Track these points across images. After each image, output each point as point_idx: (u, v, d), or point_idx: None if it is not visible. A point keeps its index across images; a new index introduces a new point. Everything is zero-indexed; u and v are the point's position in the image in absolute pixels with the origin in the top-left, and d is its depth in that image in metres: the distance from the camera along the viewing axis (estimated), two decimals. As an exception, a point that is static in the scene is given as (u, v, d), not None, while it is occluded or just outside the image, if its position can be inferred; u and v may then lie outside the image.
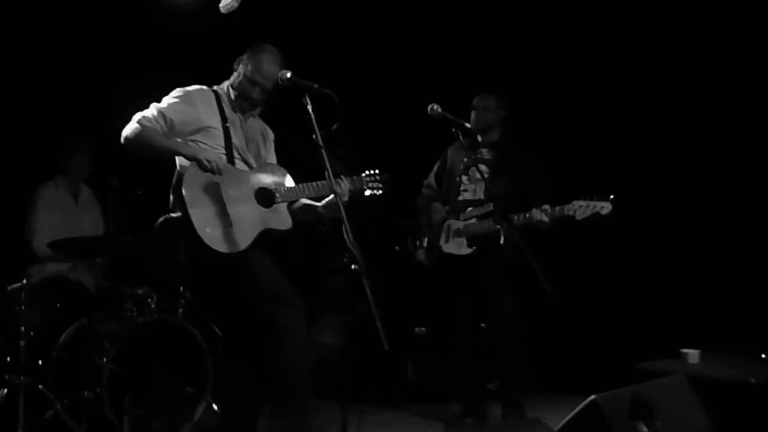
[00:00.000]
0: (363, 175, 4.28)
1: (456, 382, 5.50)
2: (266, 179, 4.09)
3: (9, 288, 4.76)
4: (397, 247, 6.29)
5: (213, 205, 3.87)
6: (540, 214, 4.86)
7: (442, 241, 5.24)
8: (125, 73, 5.66)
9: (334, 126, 3.60)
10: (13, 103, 5.33)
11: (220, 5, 5.29)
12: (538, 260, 4.27)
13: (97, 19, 5.73)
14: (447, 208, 5.29)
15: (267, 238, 4.01)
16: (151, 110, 3.94)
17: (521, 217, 4.89)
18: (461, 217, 5.19)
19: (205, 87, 4.11)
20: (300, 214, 4.21)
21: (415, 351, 6.12)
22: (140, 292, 5.04)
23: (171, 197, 3.94)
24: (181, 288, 5.28)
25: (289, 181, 4.16)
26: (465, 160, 5.29)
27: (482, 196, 5.20)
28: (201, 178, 3.88)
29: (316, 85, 3.66)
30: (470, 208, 5.18)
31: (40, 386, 4.66)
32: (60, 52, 5.71)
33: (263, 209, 4.02)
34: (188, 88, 4.04)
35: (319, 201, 4.17)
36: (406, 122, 6.12)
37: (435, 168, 5.52)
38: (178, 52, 5.92)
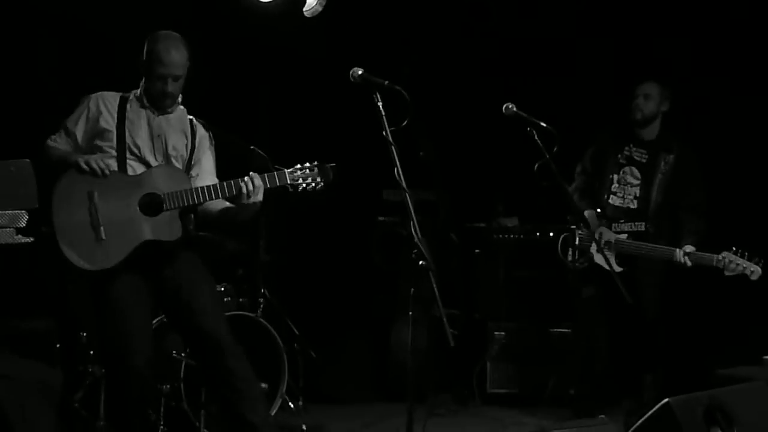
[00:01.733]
0: (290, 170, 3.89)
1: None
2: (156, 183, 3.77)
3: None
4: (477, 250, 6.27)
5: (83, 216, 3.64)
6: (683, 258, 4.74)
7: (593, 249, 5.06)
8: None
9: (404, 123, 3.57)
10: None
11: (304, 9, 5.33)
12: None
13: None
14: (598, 212, 5.11)
15: (152, 249, 3.74)
16: (59, 129, 3.85)
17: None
18: (614, 228, 5.05)
19: (114, 92, 3.92)
20: (221, 218, 3.97)
21: (495, 355, 6.06)
22: (221, 289, 5.13)
23: None
24: (262, 287, 5.35)
25: (185, 184, 3.82)
26: (618, 156, 5.12)
27: (631, 205, 5.06)
28: (76, 186, 3.66)
29: (386, 82, 3.62)
30: (622, 221, 5.04)
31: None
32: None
33: (147, 218, 3.72)
34: (91, 94, 3.90)
35: (234, 202, 3.88)
36: (478, 122, 6.09)
37: (589, 152, 5.30)
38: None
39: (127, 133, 3.81)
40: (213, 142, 4.09)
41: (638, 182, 5.05)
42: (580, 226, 5.06)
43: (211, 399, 4.51)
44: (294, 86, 6.25)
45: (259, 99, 6.23)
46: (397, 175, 3.61)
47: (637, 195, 5.05)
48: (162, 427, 4.54)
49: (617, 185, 5.12)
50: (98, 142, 3.79)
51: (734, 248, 4.68)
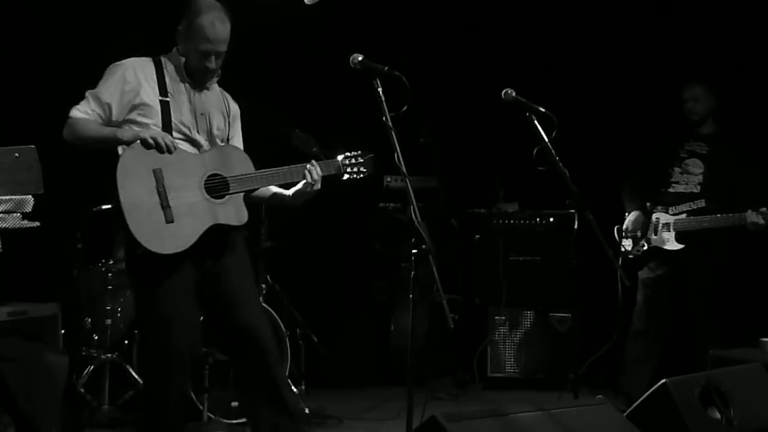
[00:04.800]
0: (340, 158, 3.81)
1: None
2: (220, 165, 3.55)
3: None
4: (477, 236, 6.31)
5: (152, 196, 3.38)
6: (756, 216, 4.81)
7: (650, 234, 5.15)
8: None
9: (404, 108, 3.60)
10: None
11: (305, -3, 5.37)
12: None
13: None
14: (649, 204, 5.21)
15: (215, 234, 3.50)
16: (85, 99, 3.53)
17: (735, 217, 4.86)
18: (670, 211, 5.13)
19: (145, 57, 3.62)
20: (269, 202, 3.87)
21: (495, 339, 6.10)
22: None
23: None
24: (264, 273, 5.40)
25: (248, 167, 3.63)
26: (679, 152, 5.22)
27: (694, 190, 5.13)
28: (142, 163, 3.40)
29: (386, 68, 3.63)
30: (683, 202, 5.11)
31: (127, 366, 4.85)
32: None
33: (213, 201, 3.49)
34: (122, 62, 3.57)
35: (287, 188, 3.76)
36: (478, 108, 6.11)
37: (643, 158, 5.41)
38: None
39: (171, 110, 3.55)
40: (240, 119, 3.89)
41: (701, 171, 5.15)
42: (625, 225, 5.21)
43: (214, 384, 4.57)
44: (294, 72, 6.27)
45: (260, 85, 6.24)
46: (397, 161, 3.62)
47: (701, 182, 5.13)
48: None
49: (680, 175, 5.20)
50: (137, 118, 3.52)
51: None
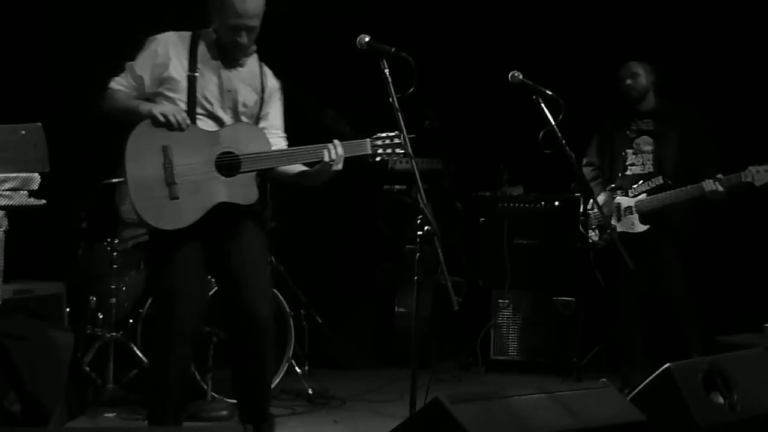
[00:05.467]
0: (372, 138, 3.71)
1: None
2: (234, 142, 3.55)
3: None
4: (482, 219, 6.30)
5: (158, 171, 3.41)
6: (714, 184, 4.77)
7: (614, 221, 5.13)
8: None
9: (410, 90, 3.58)
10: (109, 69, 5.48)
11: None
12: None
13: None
14: (612, 187, 5.19)
15: (226, 212, 3.53)
16: (124, 70, 3.61)
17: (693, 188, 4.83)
18: (630, 193, 5.11)
19: (183, 32, 3.65)
20: (295, 180, 3.77)
21: (498, 322, 6.11)
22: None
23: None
24: (270, 255, 5.39)
25: (264, 145, 3.62)
26: (627, 132, 5.21)
27: (650, 169, 5.12)
28: (151, 139, 3.43)
29: (393, 49, 3.61)
30: (640, 182, 5.09)
31: (132, 345, 4.86)
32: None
33: (223, 179, 3.50)
34: (157, 36, 3.63)
35: (311, 167, 3.71)
36: (484, 91, 6.10)
37: (594, 143, 5.40)
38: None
39: (198, 85, 3.57)
40: (282, 95, 3.87)
41: (652, 147, 5.12)
42: (593, 207, 5.09)
43: (217, 363, 4.59)
44: (301, 53, 6.25)
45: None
46: (403, 142, 3.63)
47: (653, 158, 5.11)
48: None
49: (634, 156, 5.19)
50: (166, 92, 3.56)
51: (757, 162, 4.73)
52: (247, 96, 3.70)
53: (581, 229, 5.19)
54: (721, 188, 4.78)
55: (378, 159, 3.72)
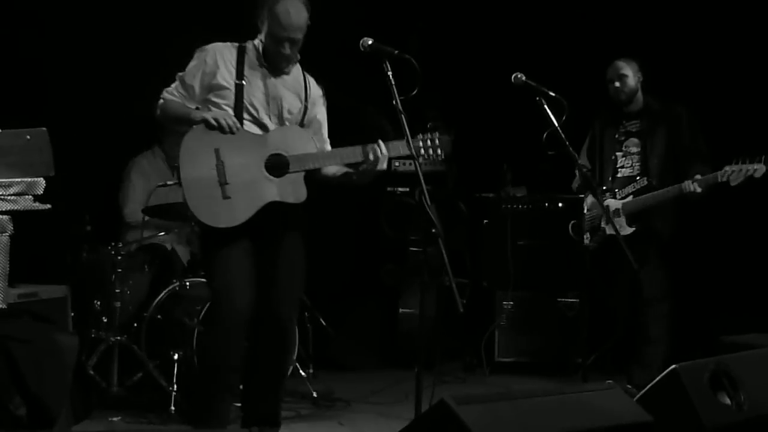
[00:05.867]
0: (414, 138, 3.72)
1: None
2: (282, 144, 3.72)
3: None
4: (485, 220, 6.30)
5: (210, 173, 3.60)
6: (691, 185, 4.78)
7: (603, 223, 5.15)
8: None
9: (414, 92, 3.58)
10: (113, 75, 5.48)
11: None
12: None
13: None
14: (603, 190, 5.17)
15: (275, 211, 3.69)
16: (176, 81, 3.82)
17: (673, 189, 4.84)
18: (617, 196, 5.11)
19: (229, 43, 3.85)
20: (342, 180, 3.91)
21: (502, 324, 6.11)
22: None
23: None
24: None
25: (310, 147, 3.79)
26: (616, 135, 5.21)
27: (640, 171, 5.12)
28: (203, 142, 3.62)
29: (396, 51, 3.62)
30: (630, 184, 5.09)
31: (134, 346, 4.86)
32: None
33: (273, 179, 3.68)
34: (206, 46, 3.83)
35: (355, 168, 3.83)
36: (487, 92, 6.10)
37: (585, 145, 5.41)
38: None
39: (245, 93, 3.76)
40: (326, 101, 4.04)
41: (638, 149, 5.13)
42: (586, 208, 5.15)
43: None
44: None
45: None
46: (407, 144, 3.64)
47: (641, 160, 5.12)
48: (174, 392, 4.60)
49: (623, 159, 5.19)
50: (214, 98, 3.76)
51: (733, 161, 4.73)
52: (291, 103, 3.87)
53: (570, 232, 5.20)
54: (699, 189, 4.78)
55: (419, 160, 3.71)
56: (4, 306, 3.27)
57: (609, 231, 5.07)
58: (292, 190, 3.70)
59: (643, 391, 3.50)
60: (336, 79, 6.04)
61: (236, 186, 3.60)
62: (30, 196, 3.26)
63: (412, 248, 6.26)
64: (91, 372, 4.74)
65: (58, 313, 4.65)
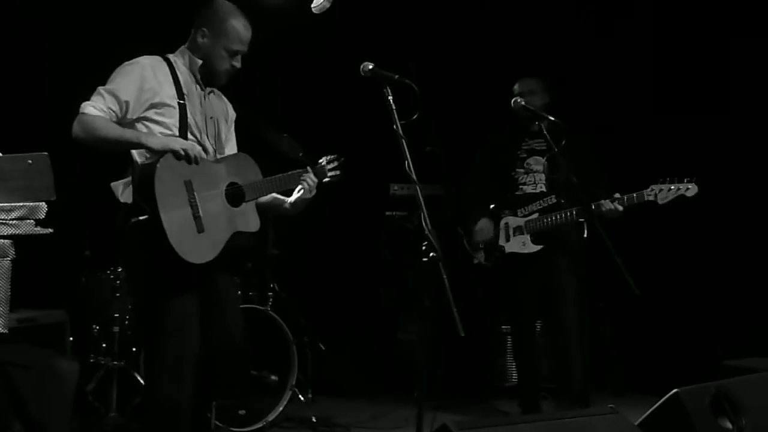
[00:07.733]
0: (323, 162, 3.91)
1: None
2: (235, 173, 3.61)
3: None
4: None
5: (185, 207, 3.41)
6: (611, 204, 4.64)
7: (502, 241, 5.02)
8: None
9: (414, 116, 3.59)
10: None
11: (312, 6, 5.36)
12: (619, 251, 4.14)
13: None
14: (495, 207, 5.08)
15: (233, 242, 3.57)
16: (99, 95, 3.46)
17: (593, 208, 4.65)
18: (519, 213, 5.00)
19: (156, 56, 3.61)
20: (267, 209, 3.85)
21: (502, 349, 6.09)
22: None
23: (131, 196, 3.44)
24: (271, 280, 5.40)
25: (258, 174, 3.70)
26: (518, 152, 5.10)
27: (543, 188, 5.01)
28: (175, 173, 3.40)
29: (397, 76, 3.62)
30: (532, 204, 4.97)
31: (134, 373, 4.84)
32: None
33: (233, 209, 3.57)
34: (137, 60, 3.55)
35: (287, 194, 3.82)
36: (485, 117, 6.11)
37: (479, 160, 5.28)
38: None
39: (188, 113, 3.56)
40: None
41: (543, 168, 5.03)
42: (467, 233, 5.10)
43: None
44: (302, 81, 6.28)
45: (266, 94, 6.25)
46: (408, 169, 3.61)
47: (546, 178, 5.02)
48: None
49: (525, 176, 5.08)
50: (154, 116, 3.50)
51: (660, 180, 4.59)
52: (221, 124, 3.76)
53: (467, 247, 5.13)
54: (620, 207, 4.65)
55: (326, 180, 3.88)
56: (6, 331, 3.25)
57: (510, 249, 4.99)
58: (251, 219, 3.63)
59: (645, 414, 3.50)
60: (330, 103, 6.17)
61: (208, 219, 3.46)
62: (32, 221, 3.25)
63: (410, 272, 6.25)
64: (90, 397, 4.72)
65: (56, 338, 4.65)
